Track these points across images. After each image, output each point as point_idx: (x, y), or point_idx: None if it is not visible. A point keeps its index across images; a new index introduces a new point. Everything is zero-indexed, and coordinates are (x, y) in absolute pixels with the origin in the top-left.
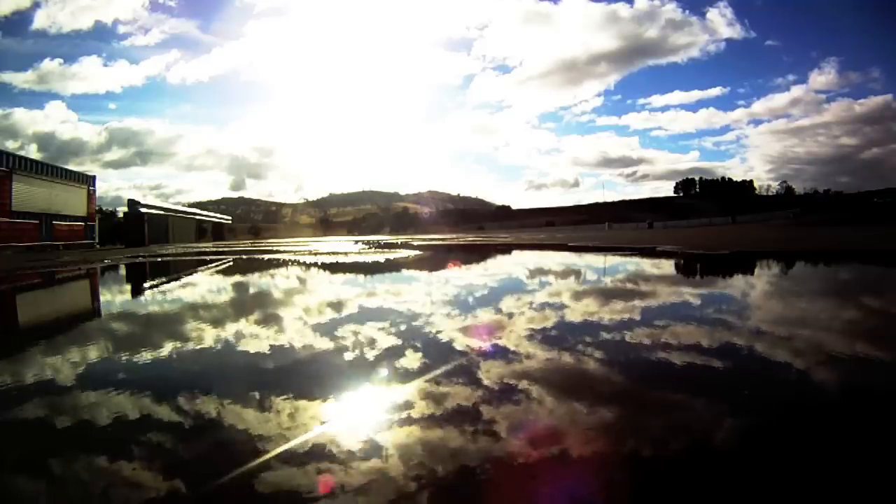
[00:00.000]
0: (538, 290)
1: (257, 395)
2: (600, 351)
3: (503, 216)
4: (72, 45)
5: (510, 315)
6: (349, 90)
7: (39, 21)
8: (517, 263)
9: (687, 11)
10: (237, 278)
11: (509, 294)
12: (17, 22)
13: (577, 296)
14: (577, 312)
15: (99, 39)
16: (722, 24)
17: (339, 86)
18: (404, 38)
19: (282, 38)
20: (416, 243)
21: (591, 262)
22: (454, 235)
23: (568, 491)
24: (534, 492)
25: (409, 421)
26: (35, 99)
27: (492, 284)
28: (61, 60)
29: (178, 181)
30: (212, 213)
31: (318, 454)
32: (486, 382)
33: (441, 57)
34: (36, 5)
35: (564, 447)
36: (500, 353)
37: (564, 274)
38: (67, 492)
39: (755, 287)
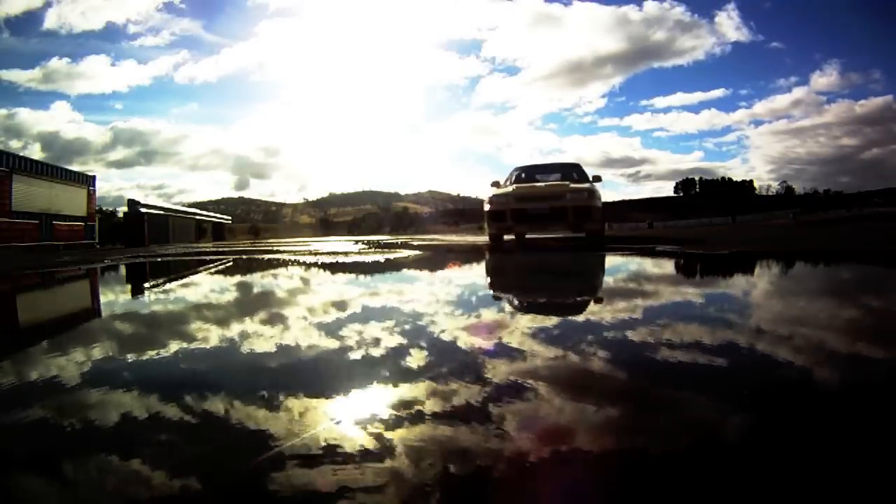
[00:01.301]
0: (540, 288)
1: (262, 393)
2: (604, 348)
3: None
4: (79, 45)
5: (514, 313)
6: (355, 91)
7: (50, 21)
8: (519, 263)
9: (695, 14)
10: (239, 278)
11: (512, 293)
12: (28, 21)
13: (578, 292)
14: (579, 309)
15: (108, 39)
16: (729, 26)
17: (346, 86)
18: (412, 41)
19: (291, 39)
20: (415, 243)
21: (590, 260)
22: (454, 235)
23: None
24: (543, 491)
25: (413, 416)
26: (40, 99)
27: (494, 283)
28: (68, 59)
29: (181, 181)
30: (212, 213)
31: (325, 452)
32: (489, 380)
33: (448, 59)
34: (47, 5)
35: (570, 447)
36: (504, 351)
37: (565, 271)
38: (67, 491)
39: (745, 283)
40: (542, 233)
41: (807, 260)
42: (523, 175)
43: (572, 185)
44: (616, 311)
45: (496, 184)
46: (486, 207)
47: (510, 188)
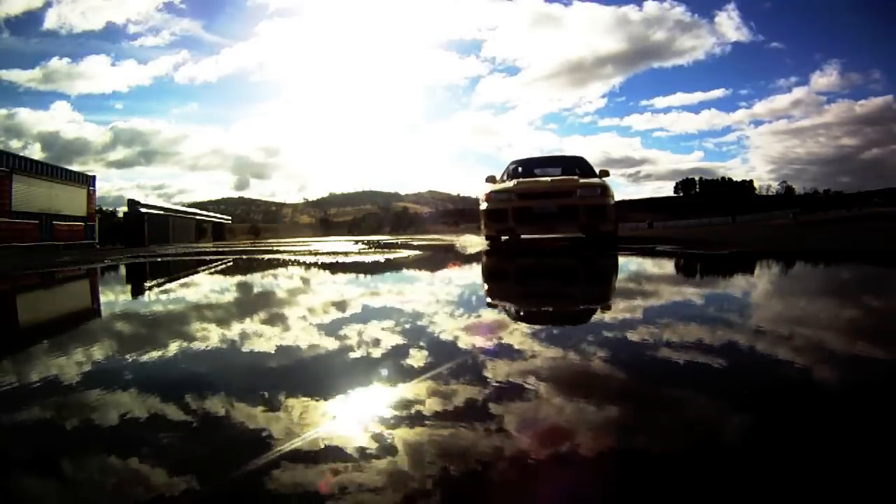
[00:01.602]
0: (542, 286)
1: (263, 393)
2: (603, 347)
3: None
4: (79, 45)
5: (515, 312)
6: (355, 91)
7: (50, 21)
8: (520, 263)
9: (695, 14)
10: (239, 278)
11: (513, 290)
12: (28, 21)
13: (578, 289)
14: (578, 305)
15: (108, 39)
16: (729, 26)
17: (346, 86)
18: (412, 41)
19: (291, 39)
20: (415, 243)
21: (589, 258)
22: (454, 236)
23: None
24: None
25: (410, 415)
26: (40, 99)
27: (494, 282)
28: (68, 59)
29: (182, 181)
30: (212, 213)
31: (327, 451)
32: (490, 379)
33: (448, 59)
34: (47, 5)
35: (572, 446)
36: (504, 350)
37: (566, 269)
38: (68, 491)
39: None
40: (547, 234)
41: (821, 261)
42: (520, 169)
43: (582, 181)
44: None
45: (492, 179)
46: (483, 205)
47: (510, 183)
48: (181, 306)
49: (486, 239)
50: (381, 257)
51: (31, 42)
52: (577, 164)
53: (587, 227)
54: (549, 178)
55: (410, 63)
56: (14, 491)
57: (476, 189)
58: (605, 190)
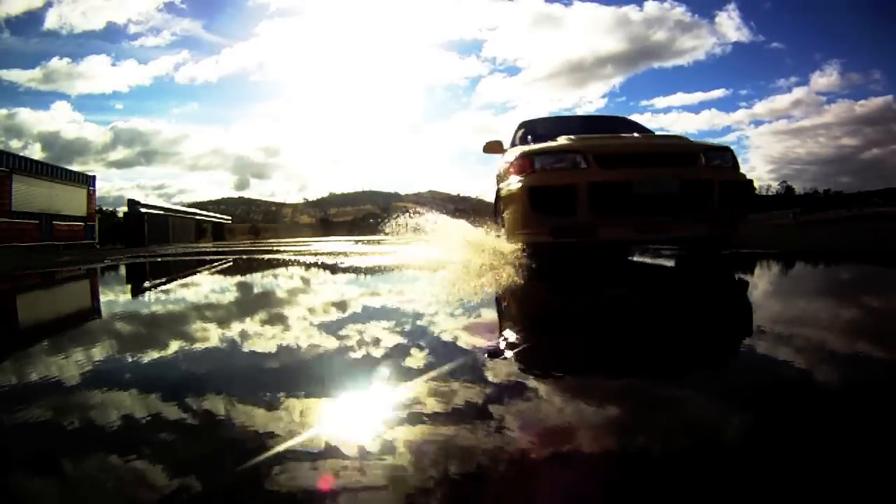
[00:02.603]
0: (544, 284)
1: (264, 393)
2: (602, 341)
3: None
4: (80, 45)
5: (516, 310)
6: (355, 90)
7: (50, 21)
8: (520, 262)
9: (696, 15)
10: (239, 278)
11: (513, 290)
12: (28, 21)
13: (576, 287)
14: (579, 302)
15: (109, 39)
16: (730, 27)
17: (346, 86)
18: (412, 41)
19: (291, 39)
20: (416, 243)
21: (589, 256)
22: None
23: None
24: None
25: (416, 414)
26: (40, 99)
27: (495, 281)
28: (69, 59)
29: (182, 181)
30: (212, 214)
31: (327, 450)
32: (490, 378)
33: (448, 59)
34: (48, 5)
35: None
36: (504, 349)
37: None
38: (68, 491)
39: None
40: (658, 235)
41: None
42: (529, 137)
43: (697, 141)
44: None
45: (497, 146)
46: (514, 184)
47: (563, 140)
48: (182, 307)
49: (527, 247)
50: (381, 258)
51: (31, 42)
52: (630, 129)
53: (723, 222)
54: (637, 134)
55: (410, 63)
56: (15, 490)
57: (476, 189)
58: (734, 158)
